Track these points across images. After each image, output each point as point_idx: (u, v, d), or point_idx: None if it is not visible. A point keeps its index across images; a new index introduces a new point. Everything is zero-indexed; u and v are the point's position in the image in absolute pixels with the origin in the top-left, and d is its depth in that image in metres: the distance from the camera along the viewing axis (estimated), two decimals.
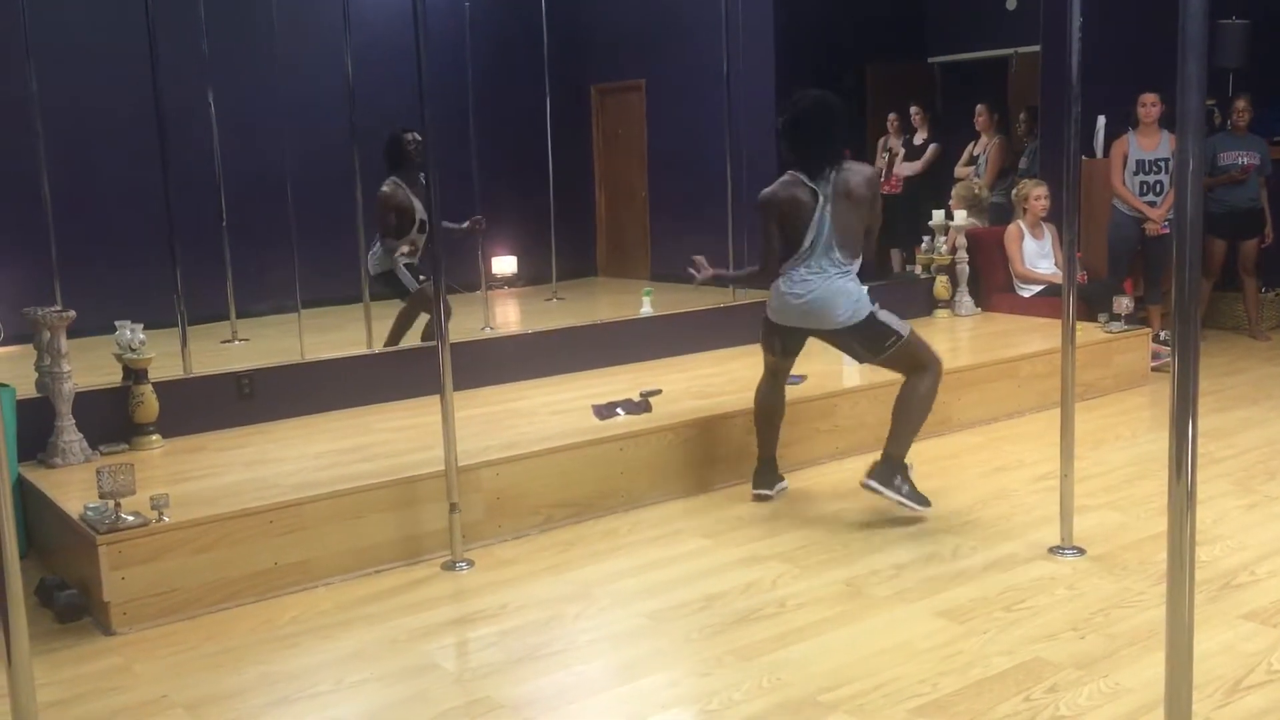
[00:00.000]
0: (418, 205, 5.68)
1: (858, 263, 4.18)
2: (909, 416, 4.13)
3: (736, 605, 3.43)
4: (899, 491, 4.05)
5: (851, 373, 5.17)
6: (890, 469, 4.08)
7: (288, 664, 3.16)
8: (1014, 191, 7.26)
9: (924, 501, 4.09)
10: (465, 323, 6.38)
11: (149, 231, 5.50)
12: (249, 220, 6.47)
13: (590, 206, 10.48)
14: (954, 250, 6.97)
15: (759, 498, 4.41)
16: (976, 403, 5.46)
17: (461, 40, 7.71)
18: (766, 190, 4.20)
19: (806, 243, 4.08)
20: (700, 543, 4.00)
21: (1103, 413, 5.62)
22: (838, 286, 4.08)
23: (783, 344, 4.30)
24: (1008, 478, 4.63)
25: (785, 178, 4.16)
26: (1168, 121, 6.77)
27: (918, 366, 4.16)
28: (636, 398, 4.87)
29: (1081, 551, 3.73)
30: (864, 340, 4.15)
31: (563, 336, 5.86)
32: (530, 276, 8.97)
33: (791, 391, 4.92)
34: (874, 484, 4.06)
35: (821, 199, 4.06)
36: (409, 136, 5.68)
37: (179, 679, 3.09)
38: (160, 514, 3.49)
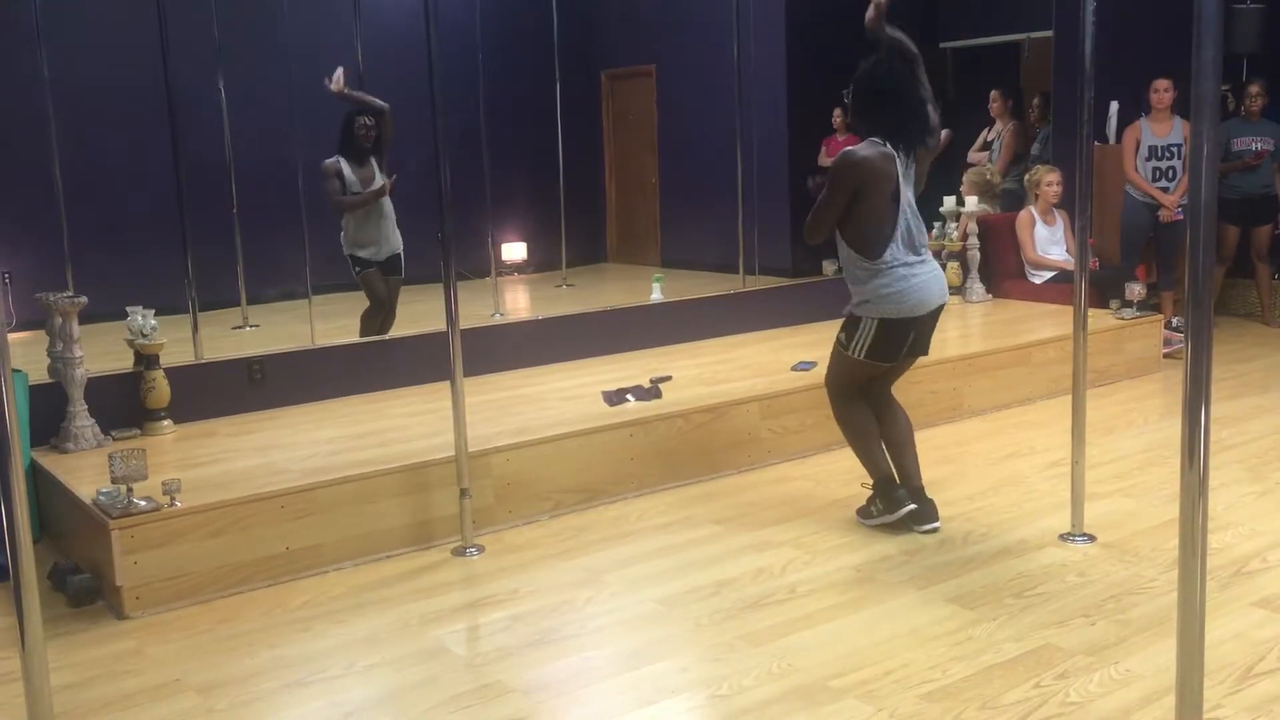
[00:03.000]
0: (352, 181, 5.77)
1: None
2: (909, 443, 3.95)
3: (747, 591, 3.43)
4: (928, 520, 3.89)
5: None
6: (928, 499, 3.93)
7: (299, 648, 3.17)
8: (1026, 177, 7.24)
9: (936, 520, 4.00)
10: (475, 309, 6.39)
11: (160, 217, 5.52)
12: (259, 206, 6.48)
13: (600, 192, 10.47)
14: (965, 236, 6.95)
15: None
16: (988, 389, 5.45)
17: (472, 25, 7.71)
18: (858, 152, 3.69)
19: (901, 227, 3.71)
20: (710, 529, 4.00)
21: (1114, 399, 5.61)
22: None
23: (913, 339, 3.82)
24: (1019, 464, 4.62)
25: (874, 144, 3.70)
26: (1180, 107, 6.74)
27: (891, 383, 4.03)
28: (647, 384, 4.87)
29: (1092, 538, 3.73)
30: (933, 329, 3.91)
31: (573, 323, 5.86)
32: (540, 263, 8.99)
33: (804, 378, 4.93)
34: (935, 526, 3.87)
35: (902, 180, 3.70)
36: (360, 120, 5.80)
37: (191, 662, 3.11)
38: (172, 499, 3.50)
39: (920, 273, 3.76)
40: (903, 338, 3.80)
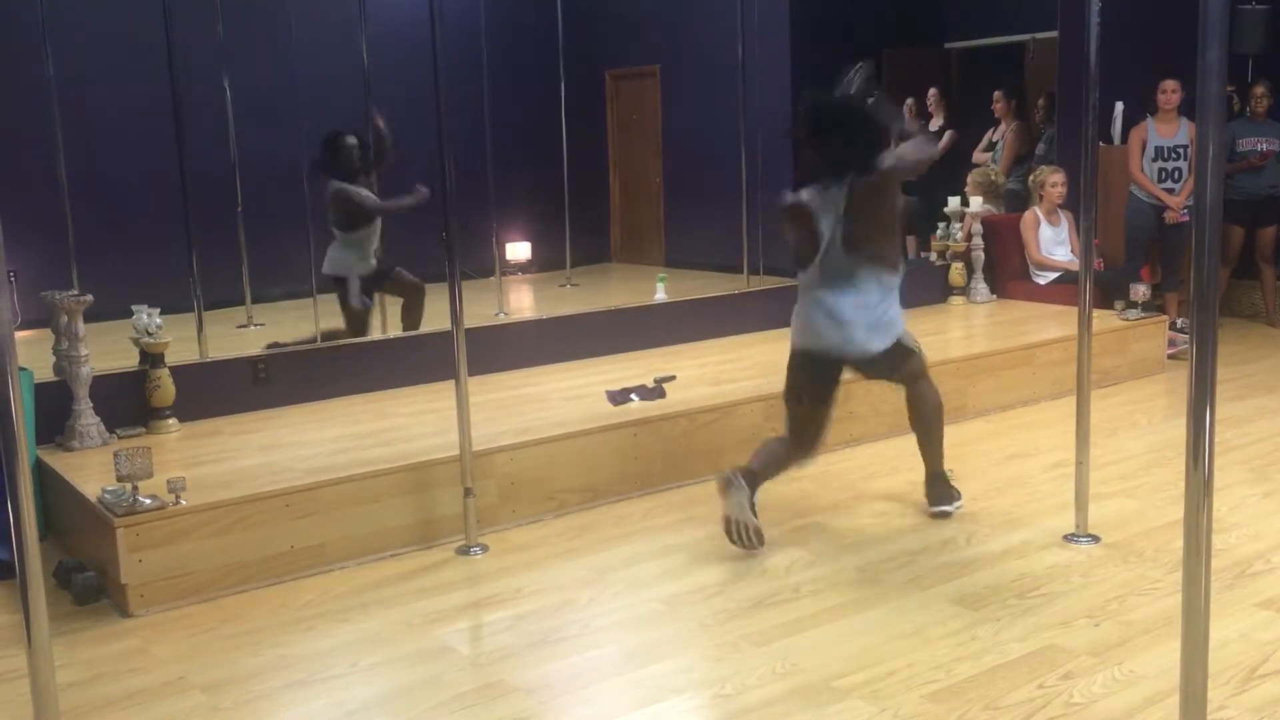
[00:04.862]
0: (367, 196, 5.76)
1: (894, 279, 3.75)
2: (935, 428, 3.99)
3: (750, 591, 3.43)
4: (957, 500, 4.03)
5: None
6: (942, 486, 4.02)
7: (304, 646, 3.18)
8: (1030, 178, 7.23)
9: (961, 495, 4.09)
10: (479, 308, 6.39)
11: (165, 216, 5.52)
12: (265, 205, 6.48)
13: (604, 192, 10.46)
14: (969, 237, 6.95)
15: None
16: (992, 390, 5.44)
17: (476, 25, 7.70)
18: (785, 197, 3.84)
19: (821, 249, 3.70)
20: (714, 528, 3.99)
21: (1118, 400, 5.60)
22: (863, 307, 3.70)
23: (812, 382, 3.81)
24: (1023, 465, 4.62)
25: (805, 186, 3.79)
26: (1187, 109, 6.73)
27: (918, 375, 3.96)
28: (650, 384, 4.87)
29: (1096, 539, 3.72)
30: (887, 367, 3.85)
31: (577, 322, 5.86)
32: (544, 262, 8.98)
33: None
34: (941, 509, 3.98)
35: (819, 213, 3.70)
36: (349, 140, 5.77)
37: (196, 660, 3.11)
38: (177, 497, 3.51)
39: (822, 312, 3.71)
40: (804, 375, 3.81)
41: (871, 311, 3.70)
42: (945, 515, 3.99)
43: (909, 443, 4.12)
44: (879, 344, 3.73)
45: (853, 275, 3.68)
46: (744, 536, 3.68)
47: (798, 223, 3.76)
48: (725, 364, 5.40)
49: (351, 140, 5.79)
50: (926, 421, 3.99)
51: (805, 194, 3.76)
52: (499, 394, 4.89)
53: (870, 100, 3.74)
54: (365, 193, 5.78)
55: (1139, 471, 4.47)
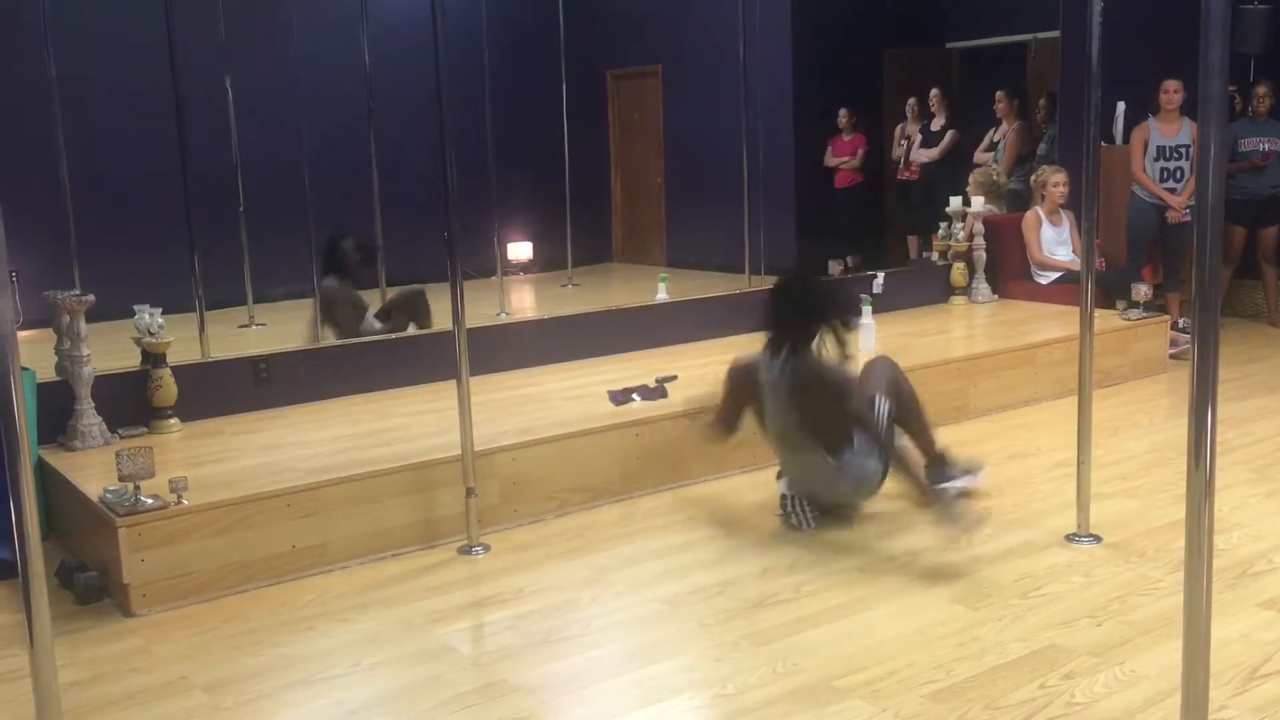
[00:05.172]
0: (366, 317, 5.87)
1: (857, 446, 3.85)
2: (915, 416, 4.04)
3: (751, 591, 3.43)
4: (958, 476, 4.05)
5: (867, 353, 5.15)
6: (939, 465, 4.05)
7: (305, 646, 3.18)
8: (1032, 178, 7.23)
9: (977, 465, 4.15)
10: (481, 308, 6.39)
11: (167, 217, 5.52)
12: (266, 205, 6.49)
13: (605, 192, 10.46)
14: (971, 237, 6.95)
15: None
16: (993, 389, 5.44)
17: (478, 25, 7.70)
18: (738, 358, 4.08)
19: (772, 429, 3.97)
20: (715, 528, 4.00)
21: (1120, 400, 5.60)
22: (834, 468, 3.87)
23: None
24: (1024, 465, 4.62)
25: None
26: (1189, 108, 6.73)
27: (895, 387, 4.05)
28: (652, 383, 4.87)
29: (1098, 539, 3.72)
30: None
31: (578, 322, 5.86)
32: (545, 262, 8.98)
33: None
34: (940, 487, 3.96)
35: (769, 382, 3.90)
36: (347, 244, 5.87)
37: (198, 660, 3.12)
38: (179, 497, 3.51)
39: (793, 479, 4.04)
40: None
41: (840, 469, 3.89)
42: (949, 490, 3.94)
43: (908, 442, 4.12)
44: (858, 494, 3.99)
45: (803, 445, 3.90)
46: (798, 513, 3.94)
47: (733, 385, 4.02)
48: (726, 364, 5.38)
49: (349, 243, 5.88)
50: (903, 411, 4.03)
51: (759, 357, 3.95)
52: (500, 394, 4.89)
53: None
54: (364, 304, 5.89)
55: (1140, 471, 4.47)
